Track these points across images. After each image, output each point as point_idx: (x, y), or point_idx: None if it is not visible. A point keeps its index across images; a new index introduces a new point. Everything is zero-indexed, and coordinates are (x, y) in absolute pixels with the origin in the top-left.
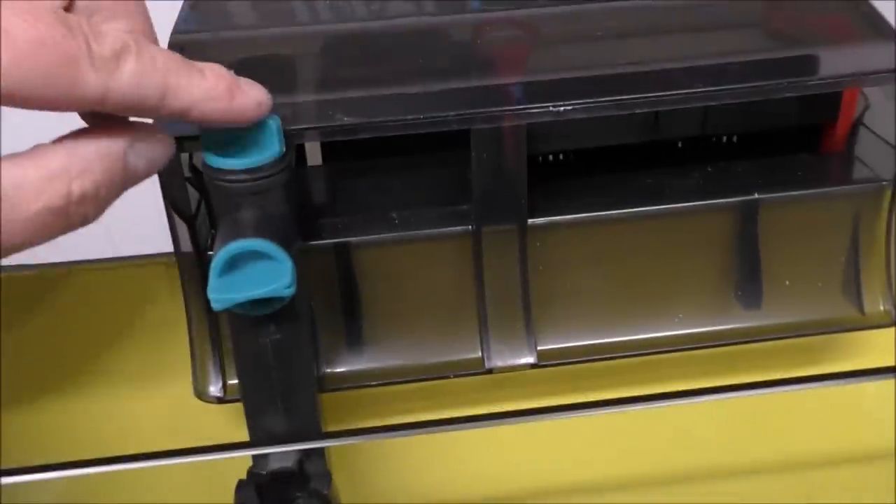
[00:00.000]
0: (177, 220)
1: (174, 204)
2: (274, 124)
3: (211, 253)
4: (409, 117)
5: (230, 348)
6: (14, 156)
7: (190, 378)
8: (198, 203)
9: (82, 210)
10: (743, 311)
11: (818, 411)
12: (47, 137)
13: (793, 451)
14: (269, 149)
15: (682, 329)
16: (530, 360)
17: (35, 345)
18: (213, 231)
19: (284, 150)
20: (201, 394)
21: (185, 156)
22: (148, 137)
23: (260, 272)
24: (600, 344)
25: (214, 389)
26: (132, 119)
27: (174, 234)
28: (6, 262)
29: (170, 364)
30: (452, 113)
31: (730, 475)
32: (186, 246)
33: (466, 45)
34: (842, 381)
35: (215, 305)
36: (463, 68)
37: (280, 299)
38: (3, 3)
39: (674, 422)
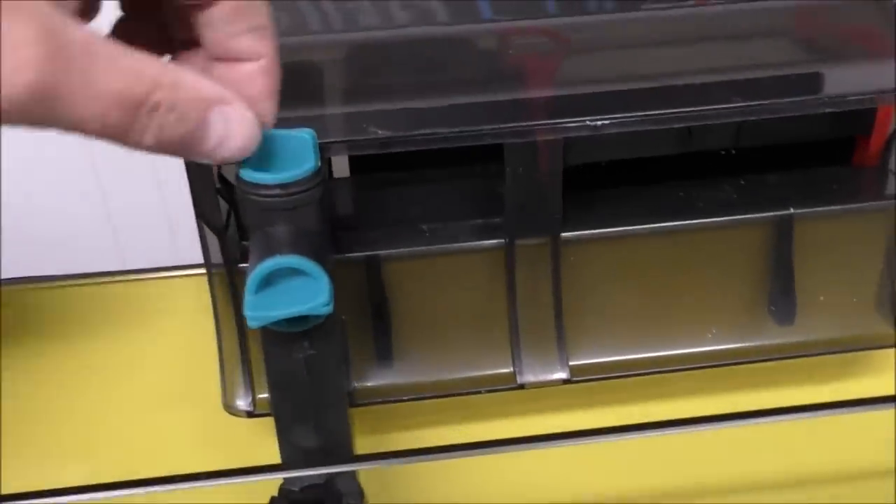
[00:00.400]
0: (207, 232)
1: (205, 216)
2: (310, 138)
3: (242, 265)
4: (445, 131)
5: (259, 361)
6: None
7: (213, 390)
8: (227, 214)
9: (145, 123)
10: (776, 327)
11: (819, 427)
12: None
13: (793, 467)
14: (305, 163)
15: (715, 345)
16: (563, 375)
17: (56, 359)
18: (242, 242)
19: (319, 163)
20: (230, 407)
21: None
22: (241, 115)
23: (296, 289)
24: (633, 359)
25: (243, 403)
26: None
27: (204, 246)
28: (5, 274)
29: (195, 377)
30: (489, 127)
31: (730, 491)
32: (216, 258)
33: (493, 55)
34: (844, 410)
35: (251, 323)
36: (492, 79)
37: (316, 316)
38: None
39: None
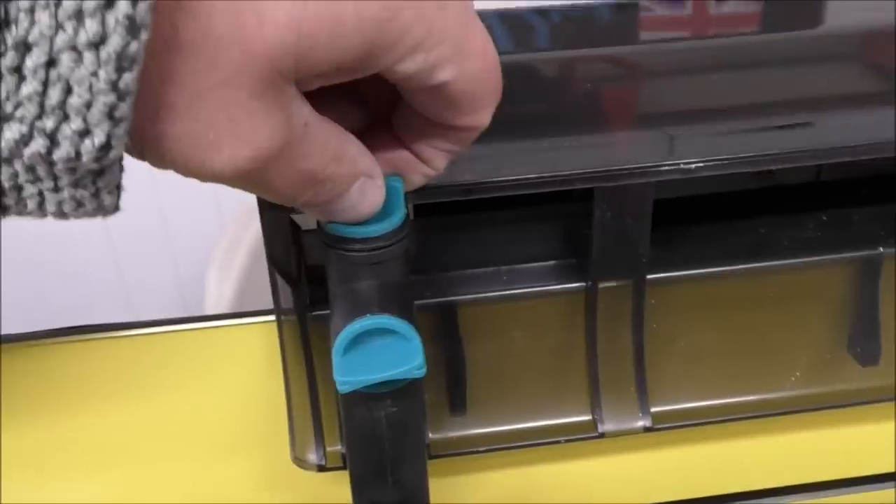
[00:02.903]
0: (278, 279)
1: (277, 263)
2: (400, 186)
3: (315, 313)
4: (534, 176)
5: (330, 411)
6: None
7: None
8: (297, 260)
9: (308, 193)
10: (859, 369)
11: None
12: None
13: None
14: (396, 214)
15: (799, 389)
16: (645, 423)
17: (104, 409)
18: (310, 286)
19: (406, 212)
20: (300, 461)
21: None
22: (377, 188)
23: (387, 349)
24: (716, 405)
25: (314, 457)
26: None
27: (275, 293)
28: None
29: (258, 426)
30: (579, 171)
31: None
32: (286, 304)
33: (562, 87)
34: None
35: (342, 388)
36: (569, 115)
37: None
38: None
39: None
